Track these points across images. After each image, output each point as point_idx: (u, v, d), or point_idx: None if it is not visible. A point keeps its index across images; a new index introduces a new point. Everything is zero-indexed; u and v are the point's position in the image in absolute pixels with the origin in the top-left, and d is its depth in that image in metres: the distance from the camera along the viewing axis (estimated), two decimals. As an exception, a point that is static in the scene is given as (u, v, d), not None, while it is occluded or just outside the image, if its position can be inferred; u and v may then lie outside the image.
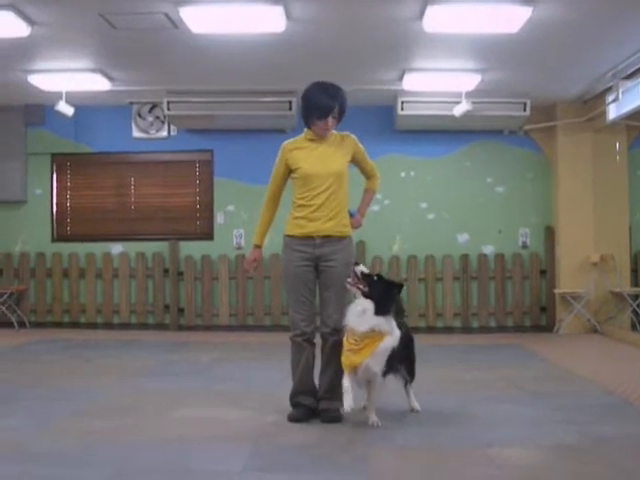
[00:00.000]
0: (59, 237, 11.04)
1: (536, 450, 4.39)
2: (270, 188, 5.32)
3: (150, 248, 10.84)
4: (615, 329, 9.86)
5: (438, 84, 9.12)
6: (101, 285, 10.89)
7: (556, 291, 10.36)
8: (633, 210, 10.47)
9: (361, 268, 4.88)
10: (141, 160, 11.01)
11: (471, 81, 8.91)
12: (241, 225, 10.76)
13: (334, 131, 5.24)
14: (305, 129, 5.26)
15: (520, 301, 10.63)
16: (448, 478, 3.94)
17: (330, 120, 5.06)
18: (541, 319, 10.64)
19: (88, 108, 10.45)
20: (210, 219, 10.88)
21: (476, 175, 10.75)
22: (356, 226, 5.35)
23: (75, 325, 10.85)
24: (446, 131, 10.46)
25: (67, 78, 8.87)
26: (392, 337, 4.74)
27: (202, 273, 10.75)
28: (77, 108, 9.84)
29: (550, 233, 10.61)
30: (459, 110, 9.40)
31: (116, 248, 10.91)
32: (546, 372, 7.28)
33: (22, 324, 10.68)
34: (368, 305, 4.72)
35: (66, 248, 10.93)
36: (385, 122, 10.59)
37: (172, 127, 10.72)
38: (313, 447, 4.45)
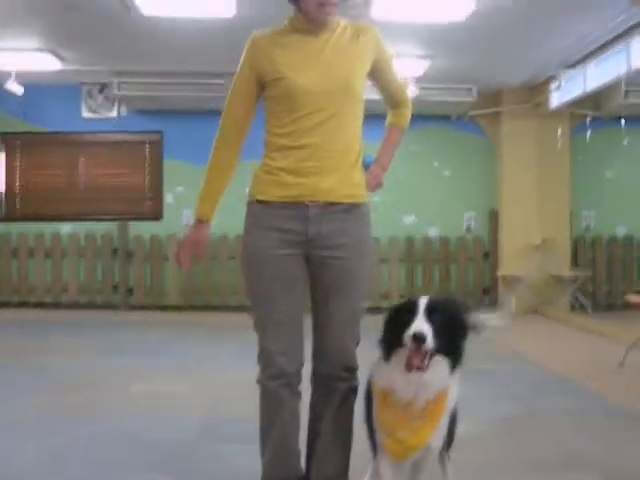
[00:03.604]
0: (7, 217, 10.99)
1: (475, 425, 4.51)
2: (227, 116, 2.97)
3: (99, 228, 10.85)
4: (554, 310, 10.16)
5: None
6: (50, 265, 10.89)
7: (499, 273, 10.64)
8: (574, 195, 10.74)
9: (416, 328, 2.63)
10: (91, 140, 10.97)
11: (419, 67, 9.06)
12: (191, 206, 10.69)
13: (343, 20, 3.00)
14: (290, 16, 2.91)
15: (464, 283, 10.90)
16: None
17: None
18: (484, 300, 10.92)
19: (38, 87, 10.31)
20: (159, 200, 10.91)
21: (423, 159, 10.95)
22: (374, 186, 3.14)
23: (23, 305, 10.80)
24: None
25: (17, 57, 8.79)
26: (454, 388, 2.79)
27: (151, 253, 10.81)
28: (27, 87, 9.74)
29: (494, 217, 10.86)
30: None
31: (65, 228, 10.90)
32: (486, 350, 7.48)
33: (-31, 304, 10.63)
34: (439, 364, 2.65)
35: (15, 228, 10.89)
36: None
37: (122, 108, 10.71)
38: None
